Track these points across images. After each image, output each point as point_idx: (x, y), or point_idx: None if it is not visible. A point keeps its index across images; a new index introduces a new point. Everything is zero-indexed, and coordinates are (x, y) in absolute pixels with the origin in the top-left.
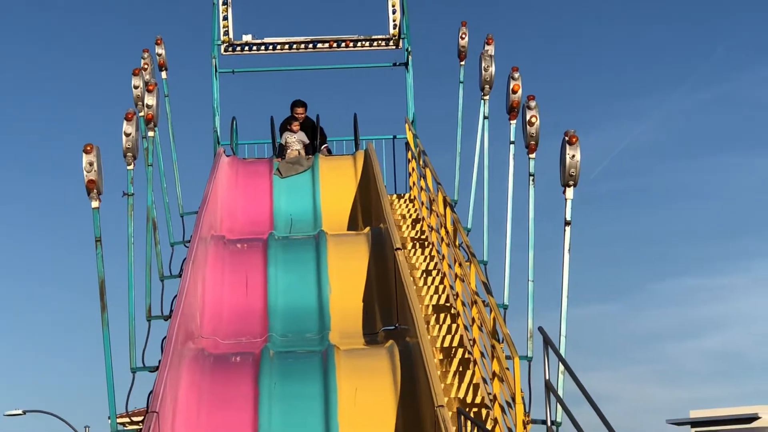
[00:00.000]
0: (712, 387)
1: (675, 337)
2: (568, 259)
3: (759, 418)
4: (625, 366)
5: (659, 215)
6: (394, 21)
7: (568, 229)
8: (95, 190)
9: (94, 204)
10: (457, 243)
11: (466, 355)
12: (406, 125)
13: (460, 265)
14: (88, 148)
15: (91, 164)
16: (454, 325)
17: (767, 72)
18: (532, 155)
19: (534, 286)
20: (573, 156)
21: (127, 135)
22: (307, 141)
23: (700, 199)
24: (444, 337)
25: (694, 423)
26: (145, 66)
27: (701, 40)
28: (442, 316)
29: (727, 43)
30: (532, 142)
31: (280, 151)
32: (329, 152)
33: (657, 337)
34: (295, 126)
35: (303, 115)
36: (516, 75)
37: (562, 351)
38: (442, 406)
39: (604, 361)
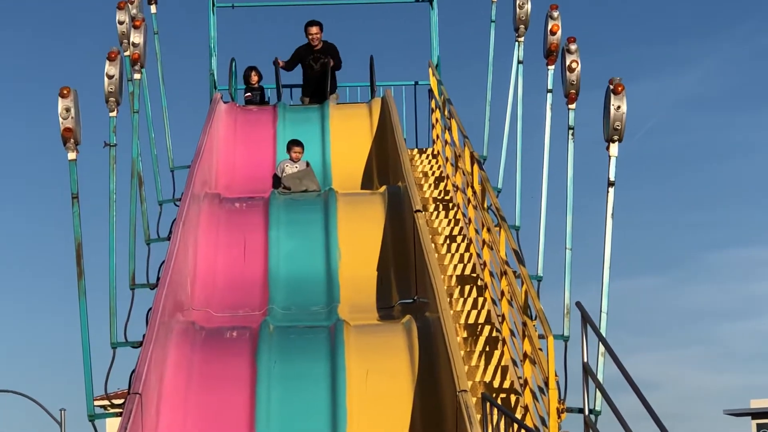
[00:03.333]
0: None
1: (731, 315)
2: (611, 224)
3: None
4: (674, 348)
5: (715, 177)
6: None
7: (611, 190)
8: (72, 140)
9: (71, 156)
10: (485, 205)
11: (494, 334)
12: (430, 70)
13: (488, 230)
14: (65, 92)
15: (67, 110)
16: (480, 299)
17: None
18: (572, 106)
19: (572, 255)
20: (618, 107)
21: (110, 77)
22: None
23: (763, 157)
24: (469, 313)
25: (756, 414)
26: None
27: None
28: (467, 288)
29: None
30: (572, 91)
31: (275, 182)
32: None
33: (710, 315)
34: (296, 153)
35: (319, 37)
36: (555, 14)
37: (602, 330)
38: (466, 390)
39: (650, 342)
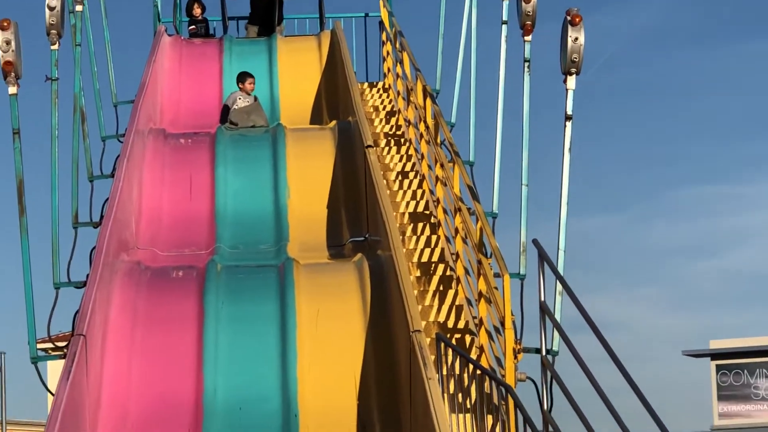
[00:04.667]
0: (734, 314)
1: (691, 254)
2: (569, 159)
3: None
4: (633, 288)
5: (674, 111)
6: None
7: (569, 124)
8: (13, 74)
9: (12, 90)
10: (438, 140)
11: (448, 272)
12: (381, 1)
13: (441, 166)
14: (5, 24)
15: (8, 43)
16: (434, 237)
17: None
18: (528, 38)
19: (528, 192)
20: (576, 39)
21: (51, 9)
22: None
23: (722, 92)
24: (422, 251)
25: (715, 355)
26: None
27: None
28: (420, 226)
29: None
30: (528, 22)
31: (223, 115)
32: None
33: (670, 254)
34: (250, 84)
35: None
36: None
37: (560, 268)
38: (419, 331)
39: (609, 282)
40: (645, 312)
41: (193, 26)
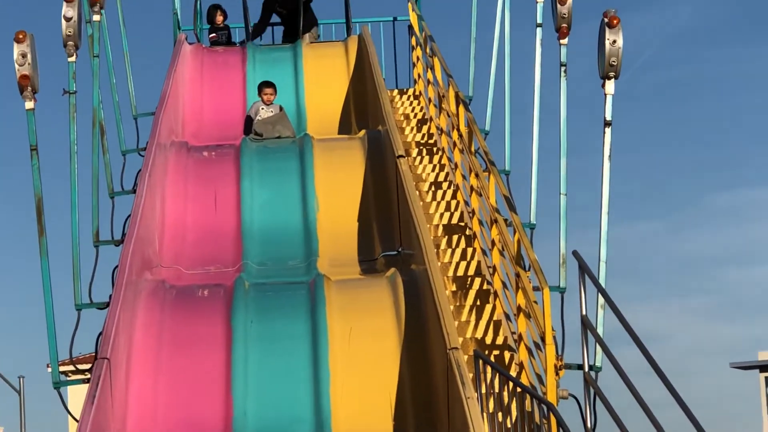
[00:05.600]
0: None
1: (737, 261)
2: (609, 167)
3: None
4: (675, 297)
5: (717, 113)
6: None
7: (608, 130)
8: (30, 88)
9: (29, 105)
10: (472, 149)
11: (485, 286)
12: (409, 4)
13: (476, 175)
14: (21, 37)
15: (24, 56)
16: (469, 250)
17: None
18: (564, 41)
19: (567, 201)
20: (614, 42)
21: (68, 20)
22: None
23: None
24: (457, 265)
25: (765, 367)
26: None
27: None
28: (454, 238)
29: None
30: (564, 25)
31: (247, 126)
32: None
33: (714, 261)
34: (268, 95)
35: None
36: None
37: (601, 280)
38: (457, 348)
39: (649, 292)
40: (688, 322)
41: (213, 34)
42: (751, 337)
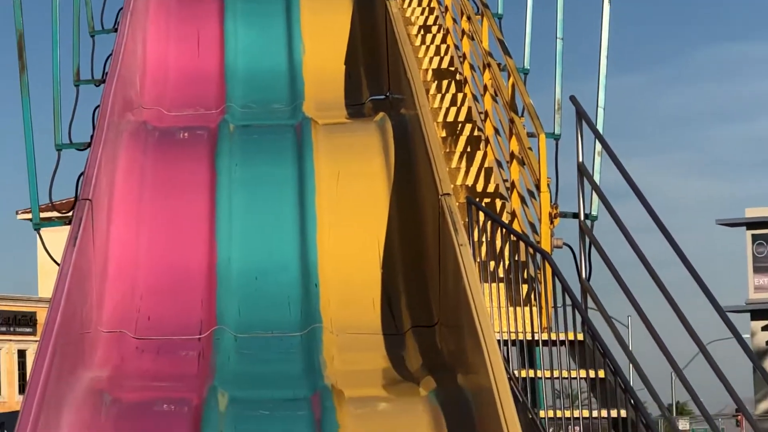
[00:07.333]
0: None
1: (721, 118)
2: (608, 10)
3: None
4: (660, 153)
5: None
6: None
7: None
8: None
9: None
10: None
11: (476, 133)
12: None
13: (468, 18)
14: None
15: None
16: (460, 95)
17: None
18: None
19: (563, 46)
20: None
21: None
22: None
23: None
24: (448, 110)
25: (751, 224)
26: None
27: None
28: (445, 83)
29: None
30: None
31: None
32: None
33: (698, 117)
34: None
35: None
36: None
37: (599, 127)
38: (449, 194)
39: (633, 147)
40: (673, 179)
41: None
42: (737, 194)
